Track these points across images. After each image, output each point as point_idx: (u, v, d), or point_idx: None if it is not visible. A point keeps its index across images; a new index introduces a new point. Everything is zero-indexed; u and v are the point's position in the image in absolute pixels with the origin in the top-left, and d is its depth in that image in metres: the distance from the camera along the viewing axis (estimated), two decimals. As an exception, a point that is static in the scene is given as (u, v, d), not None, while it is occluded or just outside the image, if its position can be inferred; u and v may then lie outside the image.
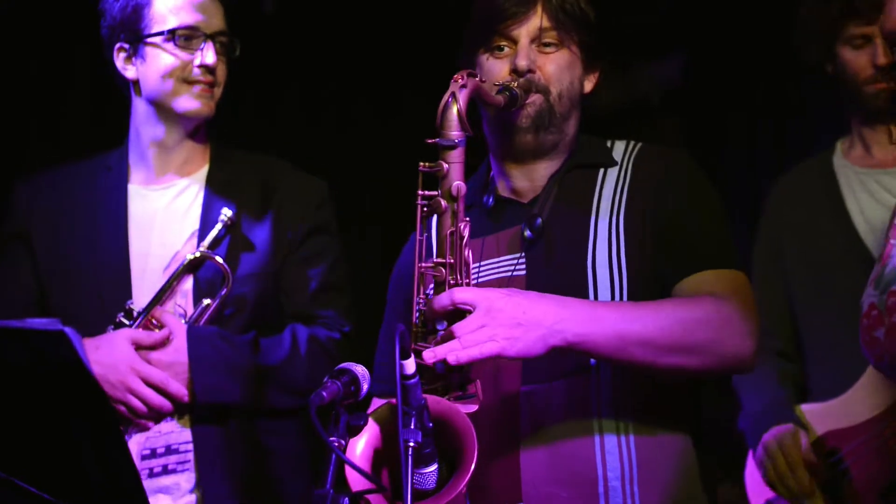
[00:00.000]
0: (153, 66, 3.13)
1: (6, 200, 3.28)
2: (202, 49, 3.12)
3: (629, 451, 2.50)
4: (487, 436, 2.47)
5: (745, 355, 2.47)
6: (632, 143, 2.73)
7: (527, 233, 2.62)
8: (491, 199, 2.72)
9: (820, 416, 3.36)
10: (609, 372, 2.52)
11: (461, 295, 2.35)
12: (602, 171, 2.68)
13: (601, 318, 2.38)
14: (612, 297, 2.53)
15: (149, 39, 3.12)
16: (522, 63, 2.60)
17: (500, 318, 2.32)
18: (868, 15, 3.37)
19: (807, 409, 3.40)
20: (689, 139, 4.56)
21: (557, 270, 2.58)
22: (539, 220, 2.61)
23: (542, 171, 2.70)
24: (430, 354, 2.31)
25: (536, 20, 2.62)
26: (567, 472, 2.49)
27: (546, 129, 2.63)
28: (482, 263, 2.66)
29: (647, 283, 2.55)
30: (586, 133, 2.76)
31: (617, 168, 2.68)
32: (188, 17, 3.12)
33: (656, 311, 2.41)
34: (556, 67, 2.63)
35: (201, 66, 3.11)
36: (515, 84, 2.57)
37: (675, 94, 4.61)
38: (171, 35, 3.11)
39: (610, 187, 2.65)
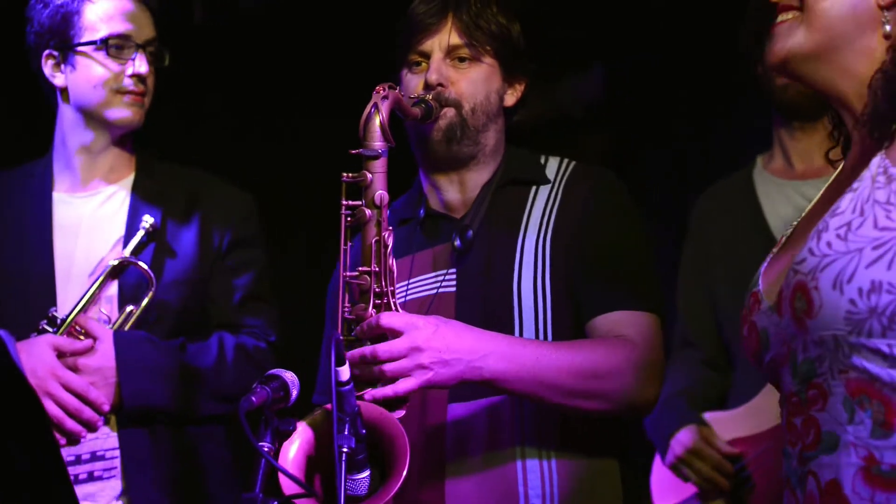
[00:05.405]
0: (84, 75, 3.11)
1: None
2: (134, 59, 3.10)
3: (551, 473, 2.56)
4: (412, 457, 2.51)
5: (647, 401, 2.58)
6: (565, 161, 2.75)
7: (457, 242, 2.65)
8: (422, 212, 2.74)
9: (724, 423, 3.42)
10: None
11: (388, 321, 2.40)
12: (534, 188, 2.71)
13: (519, 358, 2.45)
14: (536, 320, 2.59)
15: (79, 48, 3.10)
16: (432, 77, 2.63)
17: (424, 351, 2.38)
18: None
19: (711, 417, 3.45)
20: (613, 152, 4.61)
21: (485, 288, 2.62)
22: (470, 232, 2.64)
23: (471, 182, 2.72)
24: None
25: (447, 35, 2.65)
26: (490, 490, 2.55)
27: (459, 141, 2.66)
28: (411, 281, 2.68)
29: (569, 309, 2.61)
30: (516, 145, 2.78)
31: (549, 186, 2.70)
32: (119, 26, 3.11)
33: (572, 356, 2.48)
34: (469, 83, 2.65)
35: (133, 75, 3.10)
36: (430, 97, 2.60)
37: (599, 108, 4.66)
38: (103, 44, 3.09)
39: (540, 206, 2.68)
